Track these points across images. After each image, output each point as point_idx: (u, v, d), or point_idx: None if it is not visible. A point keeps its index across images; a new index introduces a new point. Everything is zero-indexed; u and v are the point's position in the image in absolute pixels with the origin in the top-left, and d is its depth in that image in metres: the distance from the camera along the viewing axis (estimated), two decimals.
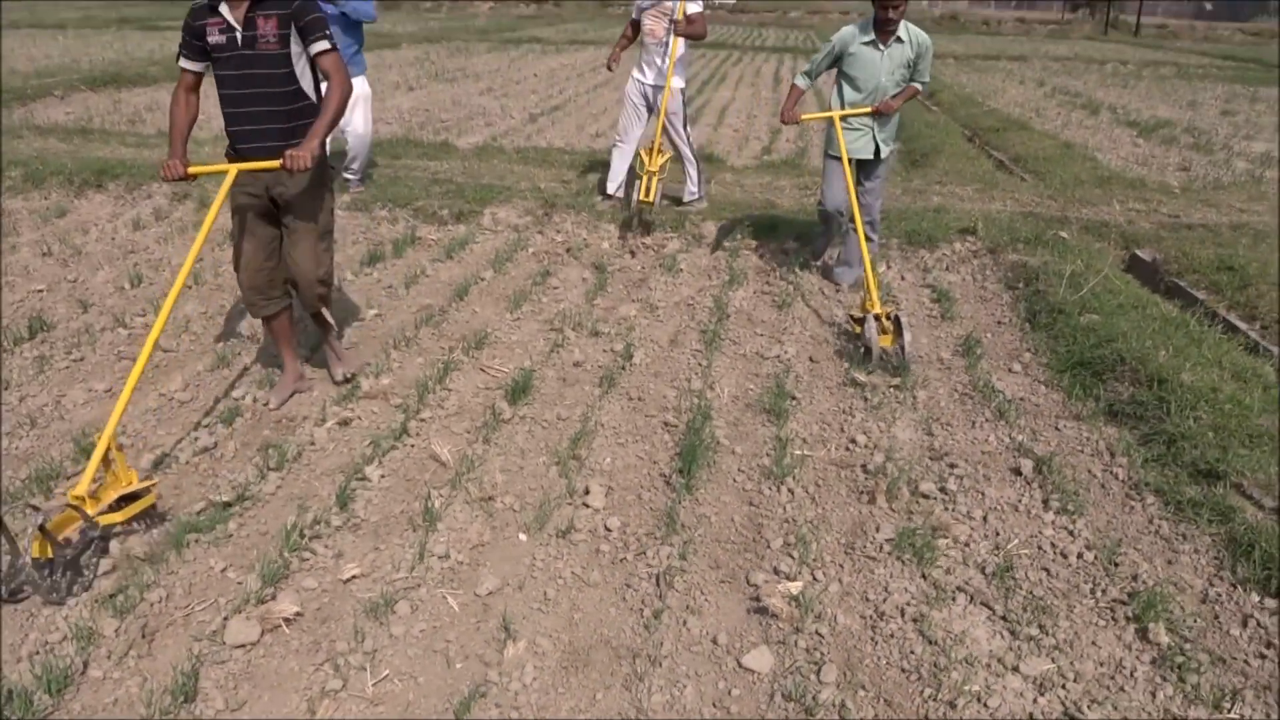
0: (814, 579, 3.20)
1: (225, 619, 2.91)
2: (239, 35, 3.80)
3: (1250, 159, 11.46)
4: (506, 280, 6.32)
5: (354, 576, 3.14)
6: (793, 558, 3.31)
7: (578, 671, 2.78)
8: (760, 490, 3.77)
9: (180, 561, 3.22)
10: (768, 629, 2.96)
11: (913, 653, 2.87)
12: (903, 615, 3.04)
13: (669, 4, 6.96)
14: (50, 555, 2.95)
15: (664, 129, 7.18)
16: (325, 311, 4.45)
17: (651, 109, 7.33)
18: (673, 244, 7.16)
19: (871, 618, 3.04)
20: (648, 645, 2.87)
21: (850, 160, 5.59)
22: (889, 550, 3.38)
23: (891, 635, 2.95)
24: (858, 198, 5.60)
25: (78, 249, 6.73)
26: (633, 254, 6.98)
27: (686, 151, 7.55)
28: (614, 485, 3.79)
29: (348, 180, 8.07)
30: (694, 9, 6.94)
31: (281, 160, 3.72)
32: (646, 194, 6.79)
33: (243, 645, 2.81)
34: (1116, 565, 3.31)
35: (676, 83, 7.17)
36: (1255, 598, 3.14)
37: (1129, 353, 4.77)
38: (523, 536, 3.43)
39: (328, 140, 4.04)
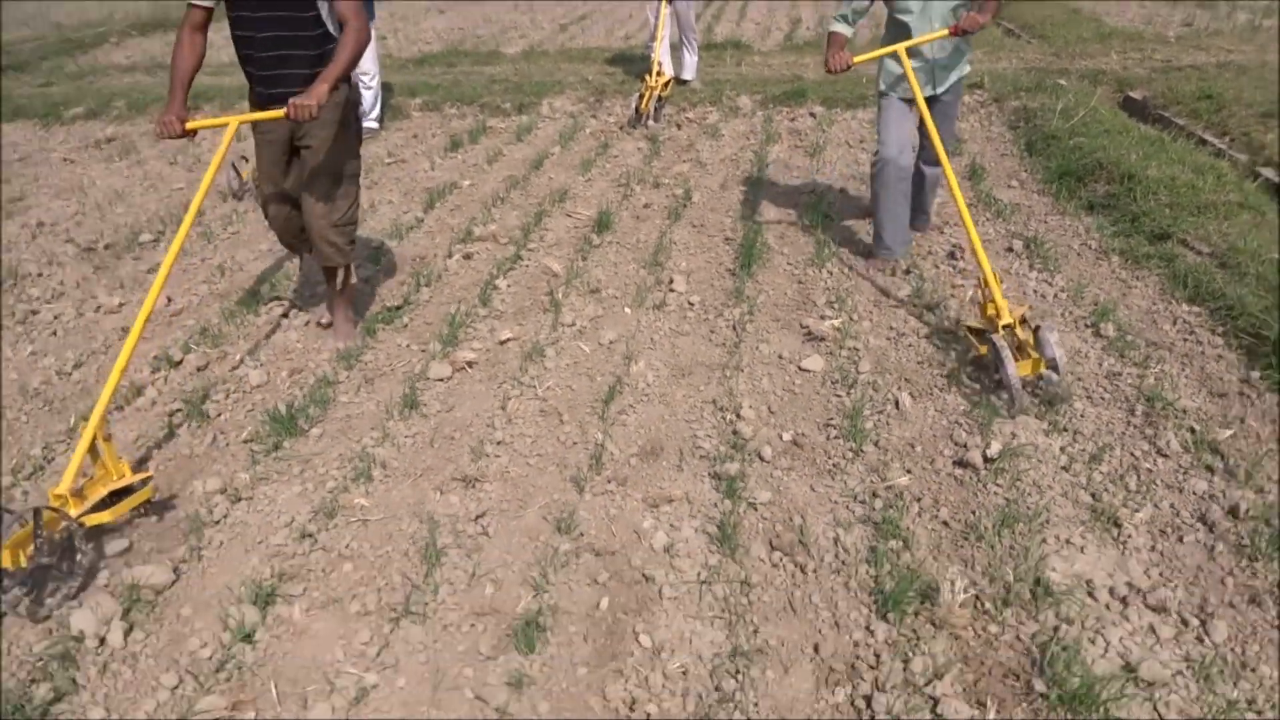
0: (850, 319, 4.26)
1: (424, 366, 4.02)
2: None
3: (1253, 10, 12.06)
4: (573, 154, 7.33)
5: (508, 339, 4.24)
6: (834, 308, 4.36)
7: (684, 378, 3.87)
8: (805, 273, 4.81)
9: (376, 341, 4.33)
10: (818, 347, 4.03)
11: (925, 352, 3.93)
12: (916, 335, 4.10)
13: None
14: (22, 564, 2.66)
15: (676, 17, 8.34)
16: (340, 272, 4.17)
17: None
18: (713, 116, 8.12)
19: (893, 338, 4.10)
20: (732, 361, 3.95)
21: (910, 100, 4.53)
22: (907, 301, 4.43)
23: (909, 345, 4.01)
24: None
25: (197, 158, 7.81)
26: (679, 126, 7.95)
27: (693, 39, 8.65)
28: (691, 278, 4.84)
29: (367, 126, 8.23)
30: None
31: (286, 109, 3.43)
32: (645, 104, 7.79)
33: (441, 379, 3.93)
34: (1082, 297, 4.34)
35: None
36: (1185, 306, 4.15)
37: (1107, 160, 5.72)
38: (628, 310, 4.51)
39: (343, 83, 3.68)
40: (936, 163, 4.52)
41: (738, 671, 2.40)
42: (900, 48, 4.27)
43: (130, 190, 6.96)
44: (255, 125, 3.87)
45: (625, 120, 8.07)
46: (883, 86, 4.66)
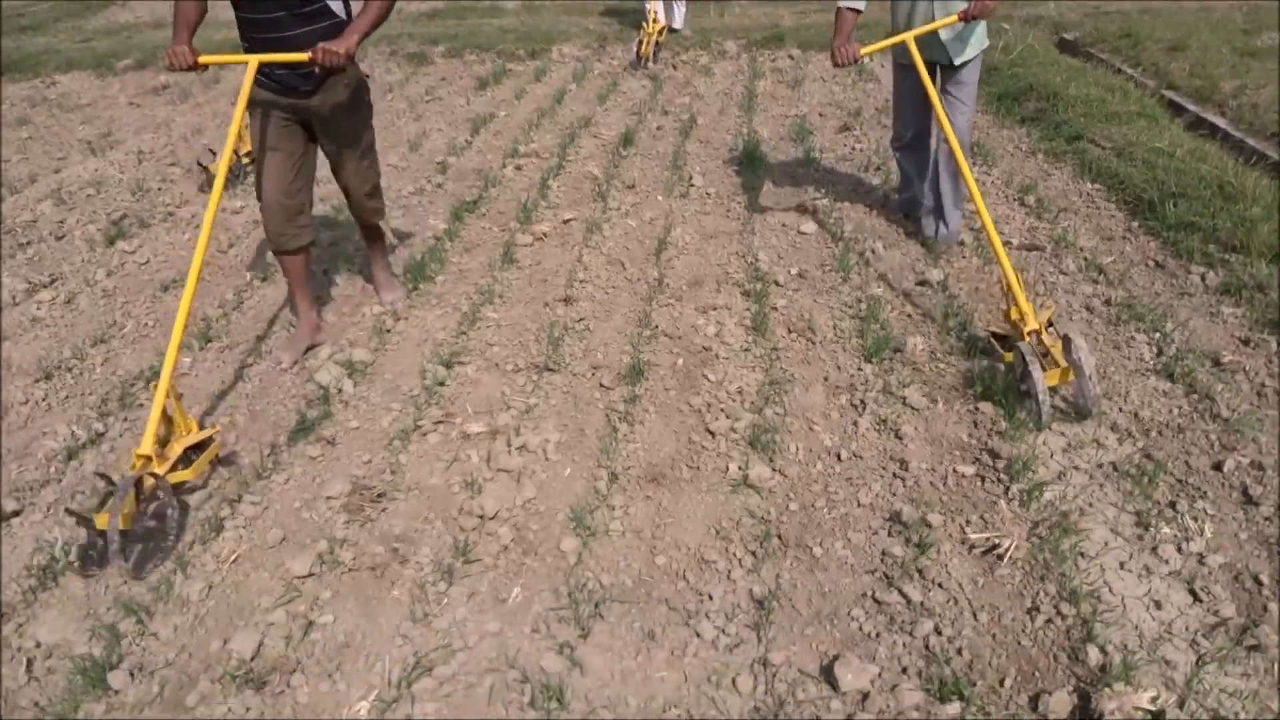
0: (834, 199, 5.50)
1: (510, 237, 5.22)
2: None
3: None
4: (587, 90, 8.50)
5: (570, 219, 5.44)
6: (821, 192, 5.60)
7: (712, 240, 5.11)
8: (797, 172, 6.05)
9: (464, 225, 5.51)
10: (812, 217, 5.28)
11: (894, 219, 5.19)
12: (885, 208, 5.35)
13: None
14: (131, 526, 2.76)
15: None
16: (381, 225, 4.51)
17: None
18: (704, 58, 9.33)
19: (868, 210, 5.35)
20: (746, 229, 5.19)
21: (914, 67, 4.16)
22: (878, 187, 5.68)
23: (879, 215, 5.27)
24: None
25: None
26: (675, 68, 9.14)
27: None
28: (706, 176, 6.06)
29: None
30: None
31: (311, 53, 3.38)
32: (645, 49, 9.02)
33: (526, 245, 5.13)
34: (1012, 181, 5.61)
35: None
36: (1089, 185, 5.45)
37: (1037, 83, 7.01)
38: (660, 198, 5.73)
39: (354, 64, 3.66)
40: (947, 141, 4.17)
41: (773, 391, 3.66)
42: (908, 37, 4.11)
43: (205, 125, 8.04)
44: (265, 108, 3.74)
45: (628, 63, 9.25)
46: (896, 58, 4.63)
